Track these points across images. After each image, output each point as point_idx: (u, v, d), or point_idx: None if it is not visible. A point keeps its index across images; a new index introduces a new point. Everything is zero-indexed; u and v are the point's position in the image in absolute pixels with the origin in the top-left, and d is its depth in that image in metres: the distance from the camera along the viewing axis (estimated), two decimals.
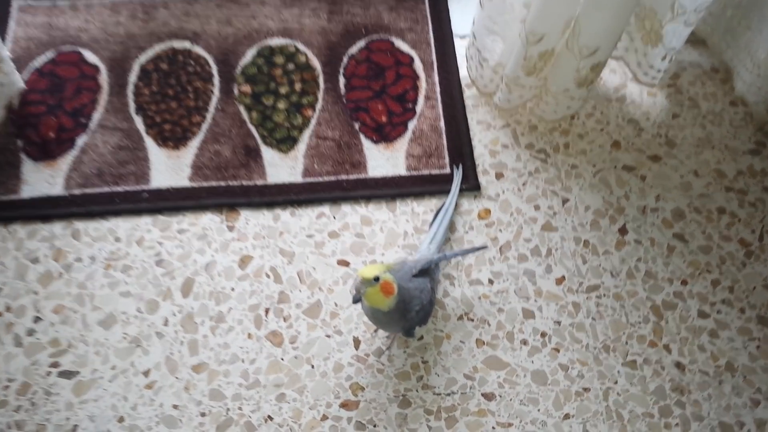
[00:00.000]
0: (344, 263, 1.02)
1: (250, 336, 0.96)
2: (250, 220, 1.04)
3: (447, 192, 1.05)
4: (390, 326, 0.87)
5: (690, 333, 0.99)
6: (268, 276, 1.00)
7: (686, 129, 1.14)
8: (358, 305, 0.98)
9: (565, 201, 1.07)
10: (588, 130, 1.13)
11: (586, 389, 0.95)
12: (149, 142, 1.09)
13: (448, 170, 1.09)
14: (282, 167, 1.09)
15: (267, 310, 0.98)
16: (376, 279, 0.77)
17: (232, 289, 0.99)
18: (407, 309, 0.82)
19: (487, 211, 1.06)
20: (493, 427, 0.92)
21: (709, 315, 1.00)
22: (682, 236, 1.05)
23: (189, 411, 0.92)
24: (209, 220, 1.04)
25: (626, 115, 1.14)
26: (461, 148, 1.11)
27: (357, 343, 0.97)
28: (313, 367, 0.95)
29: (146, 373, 0.94)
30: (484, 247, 1.00)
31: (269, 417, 0.92)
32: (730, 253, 1.04)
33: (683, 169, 1.11)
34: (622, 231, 1.05)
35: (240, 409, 0.92)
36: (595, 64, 0.99)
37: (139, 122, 1.11)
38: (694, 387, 0.96)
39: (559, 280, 1.02)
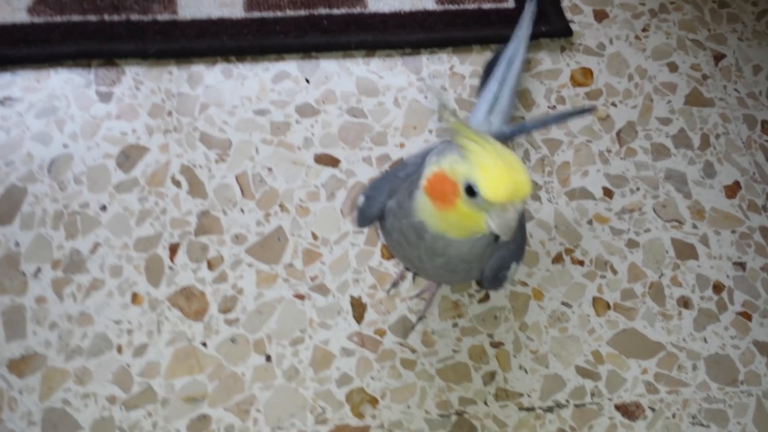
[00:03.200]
0: (330, 161, 0.52)
1: (136, 299, 0.46)
2: (144, 82, 0.54)
3: (508, 38, 0.53)
4: (464, 271, 0.38)
5: None
6: (177, 184, 0.50)
7: None
8: None
9: (718, 57, 0.60)
10: None
11: None
12: None
13: (512, 3, 0.61)
14: None
15: (173, 249, 0.48)
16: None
17: (104, 209, 0.48)
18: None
19: (587, 73, 0.58)
20: None
21: None
22: None
23: None
24: (64, 80, 0.53)
25: None
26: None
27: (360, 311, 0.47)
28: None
29: None
30: (590, 109, 0.50)
31: None
32: None
33: None
34: None
35: None
36: None
37: None
38: None
39: (731, 189, 0.54)
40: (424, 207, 0.34)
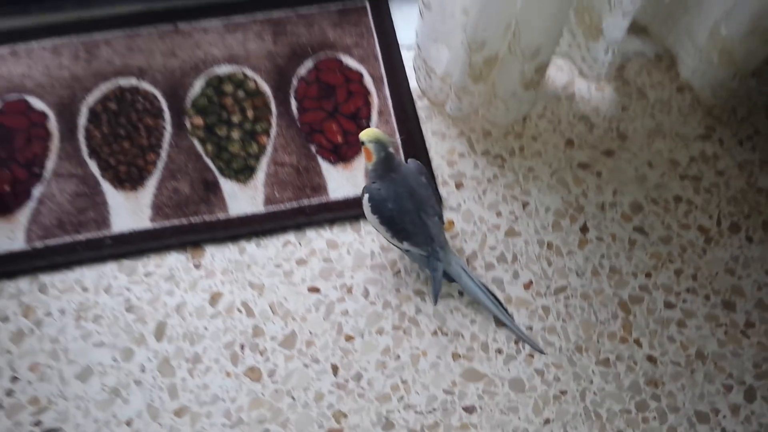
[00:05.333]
0: (315, 290, 1.02)
1: (228, 374, 0.97)
2: (216, 255, 1.04)
3: None
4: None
5: (658, 325, 1.01)
6: (239, 311, 1.01)
7: (636, 120, 1.16)
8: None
9: (525, 205, 1.09)
10: (541, 131, 1.14)
11: (563, 392, 0.97)
12: (106, 186, 1.08)
13: None
14: (242, 198, 1.09)
15: (242, 346, 0.99)
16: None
17: (206, 328, 0.99)
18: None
19: (451, 223, 1.07)
20: None
21: (675, 305, 1.03)
22: (641, 229, 1.08)
23: None
24: (175, 259, 1.04)
25: (577, 113, 1.16)
26: (419, 161, 1.12)
27: (335, 369, 0.98)
28: (294, 399, 0.96)
29: (129, 423, 0.94)
30: (509, 316, 1.01)
31: None
32: (690, 241, 1.07)
33: (637, 162, 1.13)
34: (584, 229, 1.07)
35: None
36: (539, 66, 1.00)
37: (93, 166, 1.10)
38: (667, 378, 0.98)
39: (527, 285, 1.04)
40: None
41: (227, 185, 1.09)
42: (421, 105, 1.17)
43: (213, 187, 1.09)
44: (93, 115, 1.13)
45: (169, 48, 1.19)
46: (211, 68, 1.18)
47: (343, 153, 1.12)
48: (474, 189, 1.10)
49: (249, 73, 1.18)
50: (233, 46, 1.20)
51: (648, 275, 1.04)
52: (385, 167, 0.91)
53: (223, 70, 1.18)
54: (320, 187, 1.10)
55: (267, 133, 1.14)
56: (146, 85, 1.16)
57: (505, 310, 1.00)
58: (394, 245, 0.96)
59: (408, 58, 1.21)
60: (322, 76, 1.19)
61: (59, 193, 1.07)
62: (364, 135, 0.90)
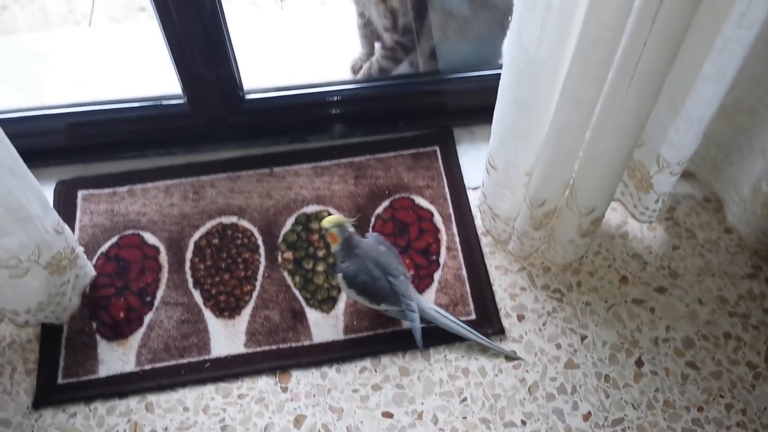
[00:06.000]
0: (388, 415, 1.13)
1: None
2: (301, 379, 1.17)
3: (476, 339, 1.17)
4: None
5: None
6: None
7: (687, 259, 1.26)
8: None
9: (583, 338, 1.18)
10: (597, 267, 1.25)
11: None
12: (208, 314, 1.23)
13: (474, 316, 1.22)
14: (325, 326, 1.22)
15: None
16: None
17: None
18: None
19: (513, 353, 1.17)
20: None
21: None
22: (693, 364, 1.16)
23: None
24: (265, 383, 1.17)
25: (630, 251, 1.27)
26: (483, 295, 1.24)
27: None
28: None
29: None
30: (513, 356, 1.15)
31: None
32: (739, 377, 1.14)
33: (688, 299, 1.22)
34: (639, 363, 1.16)
35: None
36: (595, 219, 1.12)
37: (197, 296, 1.25)
38: None
39: (586, 416, 1.12)
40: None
41: (312, 314, 1.23)
42: (485, 242, 1.29)
43: (300, 316, 1.23)
44: (198, 249, 1.30)
45: (265, 189, 1.37)
46: (300, 207, 1.34)
47: (415, 285, 1.25)
48: (535, 321, 1.20)
49: (333, 211, 1.34)
50: (320, 187, 1.37)
51: (700, 409, 1.11)
52: (349, 246, 1.09)
53: (311, 209, 1.34)
54: (394, 318, 1.22)
55: None
56: (245, 223, 1.33)
57: (482, 335, 1.15)
58: (373, 309, 1.15)
59: (473, 198, 1.34)
60: (397, 214, 1.34)
61: (167, 320, 1.23)
62: (326, 222, 1.08)
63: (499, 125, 1.07)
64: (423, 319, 1.14)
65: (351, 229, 1.09)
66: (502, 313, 1.22)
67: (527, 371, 1.16)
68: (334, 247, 1.10)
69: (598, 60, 0.85)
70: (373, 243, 1.13)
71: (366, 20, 1.44)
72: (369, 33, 1.47)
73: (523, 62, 0.92)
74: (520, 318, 1.21)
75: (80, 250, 1.21)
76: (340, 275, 1.11)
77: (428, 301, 1.19)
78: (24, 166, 1.00)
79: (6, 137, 0.96)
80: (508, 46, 0.96)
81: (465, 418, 1.12)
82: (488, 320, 1.20)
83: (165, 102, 1.36)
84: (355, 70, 1.51)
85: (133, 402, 1.15)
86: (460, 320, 1.17)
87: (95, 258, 1.29)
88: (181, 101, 1.35)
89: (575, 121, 0.94)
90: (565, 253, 1.20)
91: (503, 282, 1.25)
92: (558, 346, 1.18)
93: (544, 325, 1.20)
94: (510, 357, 1.16)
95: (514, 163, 1.08)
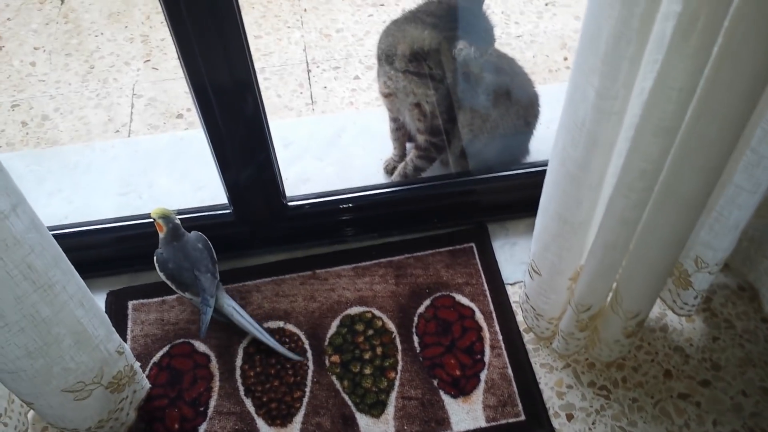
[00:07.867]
0: None
1: None
2: None
3: None
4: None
5: None
6: None
7: (727, 350, 1.28)
8: None
9: None
10: (640, 362, 1.28)
11: None
12: (260, 423, 1.26)
13: (523, 417, 1.24)
14: None
15: None
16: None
17: None
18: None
19: None
20: None
21: None
22: None
23: None
24: None
25: (671, 343, 1.29)
26: (531, 394, 1.26)
27: None
28: None
29: None
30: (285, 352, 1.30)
31: None
32: None
33: (732, 391, 1.24)
34: None
35: None
36: (639, 321, 1.15)
37: (249, 404, 1.28)
38: None
39: None
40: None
41: (362, 420, 1.25)
42: (527, 338, 1.32)
43: (350, 422, 1.25)
44: (247, 355, 1.33)
45: (309, 292, 1.40)
46: (344, 309, 1.38)
47: (462, 386, 1.28)
48: (584, 420, 1.22)
49: (377, 312, 1.38)
50: (362, 288, 1.41)
51: None
52: (172, 236, 1.26)
53: (355, 310, 1.38)
54: (444, 421, 1.24)
55: (394, 368, 1.31)
56: (291, 327, 1.36)
57: (270, 336, 1.32)
58: (179, 294, 1.31)
59: (512, 293, 1.38)
60: (439, 313, 1.37)
61: (220, 430, 1.25)
62: (155, 213, 1.23)
63: (542, 235, 1.11)
64: (221, 314, 1.30)
65: (176, 221, 1.25)
66: (551, 412, 1.24)
67: None
68: (161, 235, 1.26)
69: (643, 188, 0.89)
70: (193, 239, 1.29)
71: (399, 124, 1.50)
72: (401, 135, 1.53)
73: (566, 184, 0.97)
74: (569, 417, 1.23)
75: (137, 365, 1.24)
76: (155, 258, 1.27)
77: (231, 299, 1.32)
78: (92, 296, 1.05)
79: (75, 271, 1.01)
80: (550, 165, 1.01)
81: None
82: (538, 421, 1.23)
83: (212, 212, 1.41)
84: (388, 170, 1.57)
85: None
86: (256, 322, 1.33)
87: (148, 368, 1.32)
88: (227, 211, 1.40)
89: (621, 238, 0.98)
90: (610, 351, 1.22)
91: (549, 380, 1.27)
92: None
93: (593, 424, 1.22)
94: None
95: (559, 270, 1.12)
